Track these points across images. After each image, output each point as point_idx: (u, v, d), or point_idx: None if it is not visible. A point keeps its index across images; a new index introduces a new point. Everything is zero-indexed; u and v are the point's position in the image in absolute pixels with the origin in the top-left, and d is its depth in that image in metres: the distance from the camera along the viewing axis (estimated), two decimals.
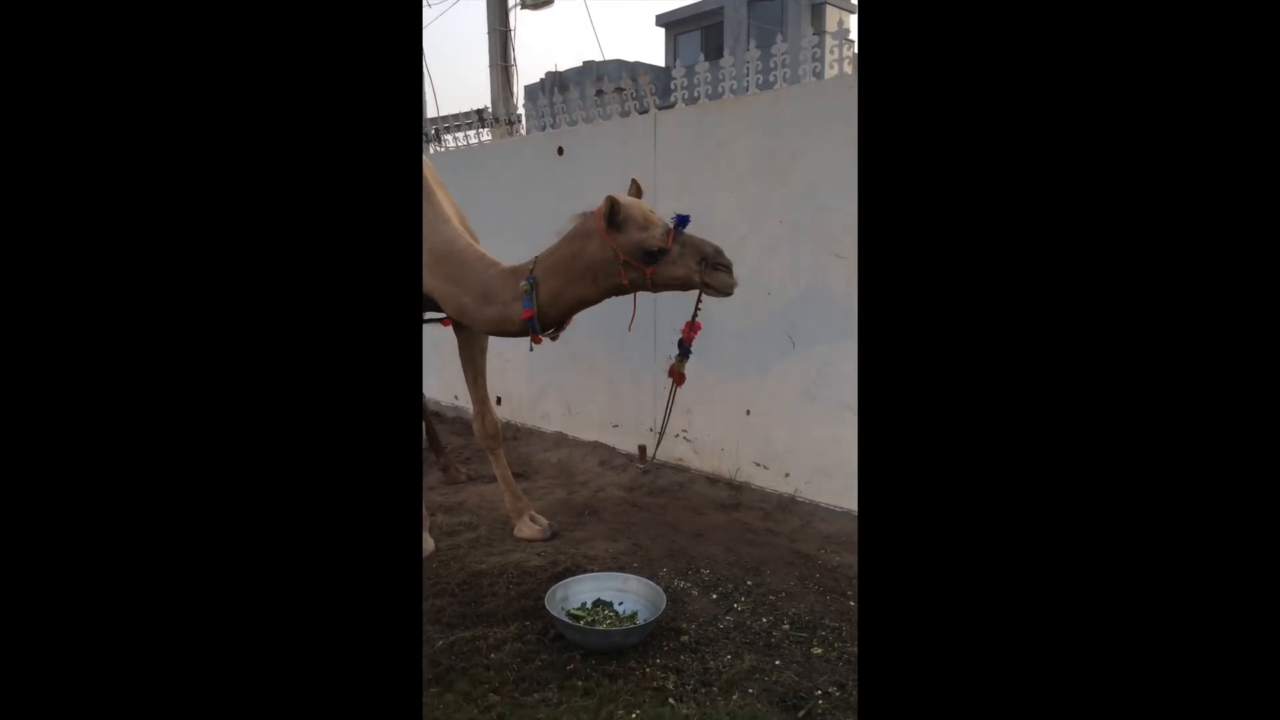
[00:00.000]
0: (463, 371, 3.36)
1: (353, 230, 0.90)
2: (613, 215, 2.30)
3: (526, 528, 3.21)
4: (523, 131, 5.83)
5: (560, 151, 4.45)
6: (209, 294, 0.86)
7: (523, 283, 2.48)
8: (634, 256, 2.31)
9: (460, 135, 5.76)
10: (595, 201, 4.22)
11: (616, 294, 2.49)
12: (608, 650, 2.29)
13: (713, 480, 3.86)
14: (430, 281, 2.75)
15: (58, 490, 0.81)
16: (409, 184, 0.95)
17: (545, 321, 2.55)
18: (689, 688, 2.13)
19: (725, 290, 2.29)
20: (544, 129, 4.67)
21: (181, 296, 0.85)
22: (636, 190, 2.59)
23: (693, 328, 2.49)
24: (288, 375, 0.88)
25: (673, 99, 3.93)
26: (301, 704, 0.85)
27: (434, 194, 2.84)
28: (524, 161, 4.71)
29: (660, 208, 3.93)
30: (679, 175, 3.85)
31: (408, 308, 0.95)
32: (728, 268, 2.28)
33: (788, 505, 3.52)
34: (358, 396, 0.90)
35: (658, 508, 3.57)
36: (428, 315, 3.16)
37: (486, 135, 5.75)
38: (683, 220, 2.28)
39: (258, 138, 0.87)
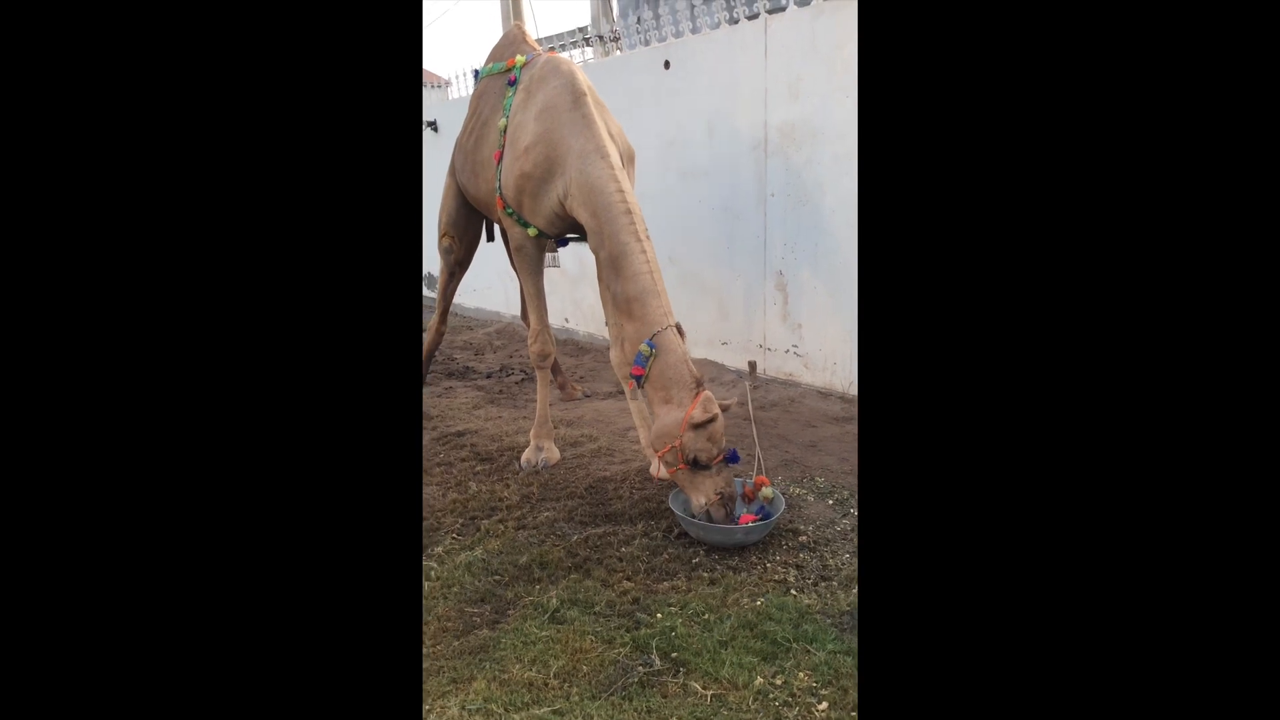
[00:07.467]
0: (600, 297, 3.35)
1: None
2: (702, 424, 2.42)
3: None
4: (621, 49, 5.74)
5: (667, 65, 4.38)
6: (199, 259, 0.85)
7: (644, 345, 2.57)
8: (684, 450, 2.45)
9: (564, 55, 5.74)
10: (705, 113, 4.18)
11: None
12: (730, 547, 2.43)
13: (824, 394, 3.88)
14: (576, 209, 2.73)
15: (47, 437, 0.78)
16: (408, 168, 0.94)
17: (641, 384, 2.63)
18: (809, 581, 2.24)
19: (705, 519, 2.46)
20: (648, 43, 4.60)
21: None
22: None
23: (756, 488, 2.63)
24: (279, 359, 0.87)
25: (784, 1, 3.77)
26: (299, 697, 0.83)
27: (593, 120, 2.74)
28: (630, 77, 4.67)
29: (771, 115, 3.86)
30: (790, 81, 3.73)
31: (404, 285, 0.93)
32: (726, 515, 2.46)
33: None
34: (352, 374, 0.88)
35: (769, 421, 3.64)
36: (569, 236, 3.09)
37: (590, 54, 5.71)
38: (733, 457, 2.50)
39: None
